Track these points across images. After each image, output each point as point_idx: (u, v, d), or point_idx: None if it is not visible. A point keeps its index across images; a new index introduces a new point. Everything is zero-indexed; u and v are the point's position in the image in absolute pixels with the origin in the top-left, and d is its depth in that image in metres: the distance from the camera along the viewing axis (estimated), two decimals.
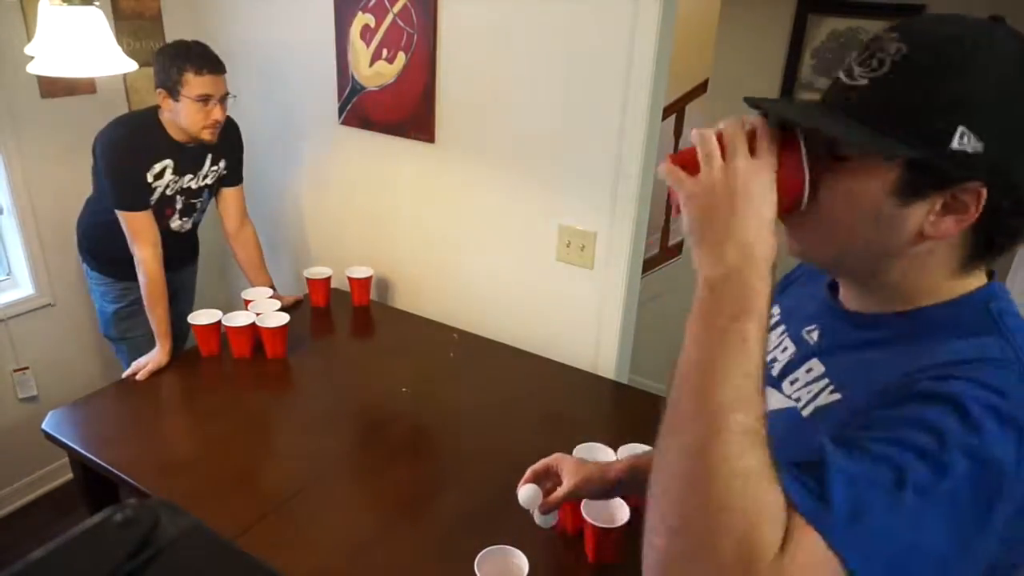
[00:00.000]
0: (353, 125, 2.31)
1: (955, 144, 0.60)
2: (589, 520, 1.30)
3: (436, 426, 1.79)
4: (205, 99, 1.91)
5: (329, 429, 1.73)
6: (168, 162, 2.01)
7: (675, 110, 3.44)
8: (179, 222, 2.16)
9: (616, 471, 1.14)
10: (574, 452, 1.41)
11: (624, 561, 1.34)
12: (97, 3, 1.40)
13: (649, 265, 3.37)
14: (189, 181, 2.10)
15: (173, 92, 1.90)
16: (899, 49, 0.62)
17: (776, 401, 0.80)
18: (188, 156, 2.05)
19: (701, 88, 3.26)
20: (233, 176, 2.23)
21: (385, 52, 2.14)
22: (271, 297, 2.17)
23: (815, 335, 0.81)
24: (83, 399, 1.83)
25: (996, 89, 0.60)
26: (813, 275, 0.93)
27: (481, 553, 1.23)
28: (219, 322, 1.97)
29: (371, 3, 2.12)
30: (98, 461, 1.57)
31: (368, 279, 2.33)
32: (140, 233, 1.99)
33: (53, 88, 2.30)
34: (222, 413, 1.79)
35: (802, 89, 2.75)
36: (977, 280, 0.71)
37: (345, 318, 2.32)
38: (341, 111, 2.32)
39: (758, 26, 2.79)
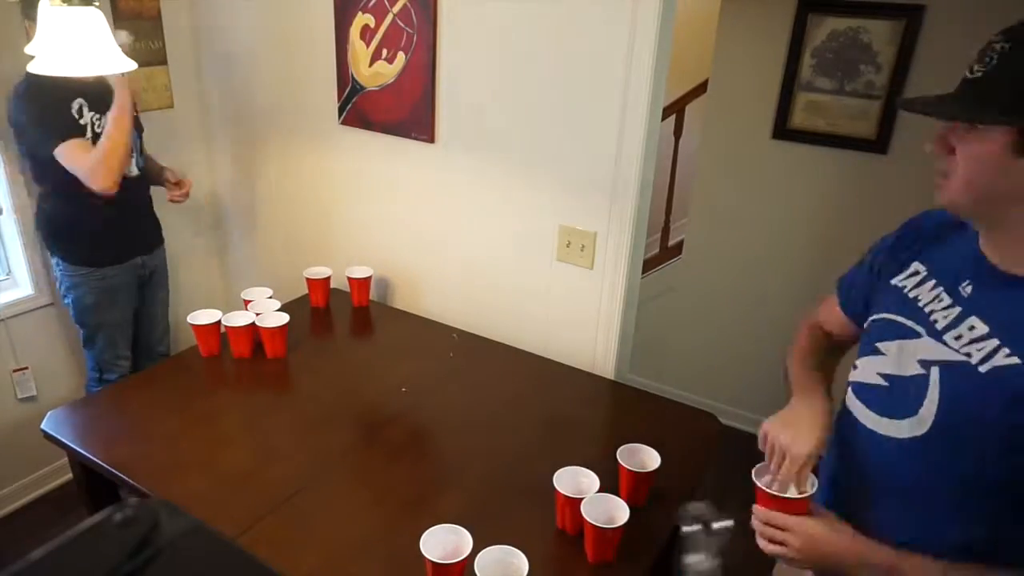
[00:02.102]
0: (353, 125, 2.31)
1: None
2: (589, 520, 1.30)
3: (436, 426, 1.79)
4: None
5: (329, 429, 1.73)
6: (80, 100, 2.02)
7: (675, 110, 3.45)
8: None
9: (827, 407, 1.14)
10: (555, 477, 1.40)
11: (623, 561, 1.34)
12: (97, 3, 1.40)
13: (649, 265, 3.38)
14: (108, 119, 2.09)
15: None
16: (1003, 48, 0.83)
17: (944, 352, 0.94)
18: (96, 93, 2.05)
19: (701, 88, 3.27)
20: (138, 125, 2.27)
21: (385, 52, 2.14)
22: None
23: (969, 289, 0.95)
24: (82, 399, 1.83)
25: None
26: (955, 231, 1.05)
27: (481, 553, 1.23)
28: (219, 322, 1.97)
29: (371, 3, 2.12)
30: (98, 461, 1.57)
31: (368, 279, 2.33)
32: (84, 153, 1.97)
33: None
34: (222, 413, 1.79)
35: (802, 89, 2.75)
36: None
37: (345, 318, 2.32)
38: (341, 111, 2.32)
39: (758, 26, 2.79)
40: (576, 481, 1.42)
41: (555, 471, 1.42)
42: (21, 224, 2.35)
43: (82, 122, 2.03)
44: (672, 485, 1.52)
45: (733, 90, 2.93)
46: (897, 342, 1.01)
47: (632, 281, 1.97)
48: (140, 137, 2.27)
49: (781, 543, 1.04)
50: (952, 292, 0.97)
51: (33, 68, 1.38)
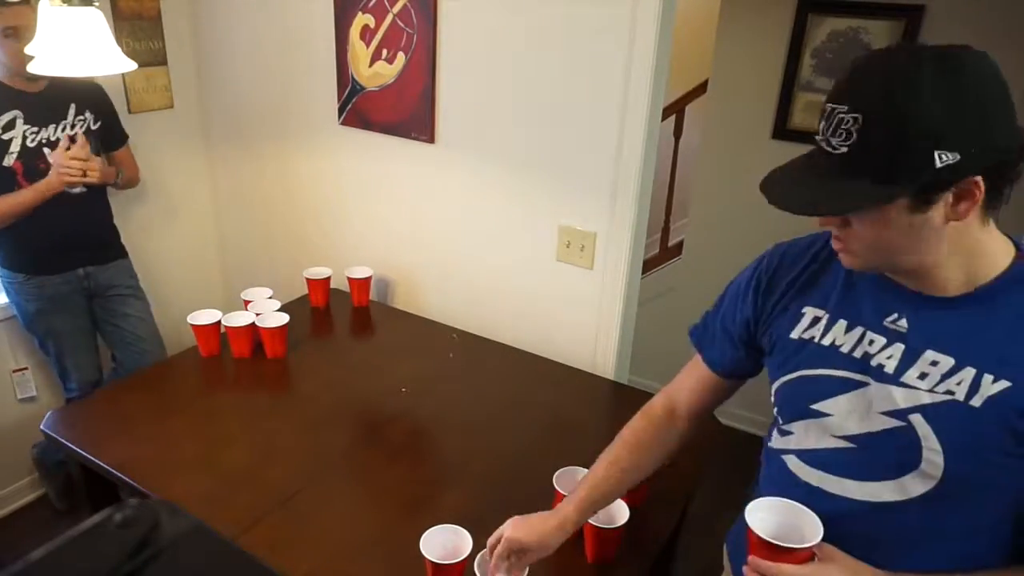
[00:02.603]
0: (353, 125, 2.31)
1: (938, 164, 0.75)
2: (589, 520, 1.30)
3: (436, 426, 1.79)
4: (15, 33, 1.87)
5: (329, 429, 1.73)
6: (15, 112, 1.99)
7: (675, 110, 3.45)
8: None
9: (571, 521, 1.16)
10: (555, 477, 1.40)
11: (623, 561, 1.34)
12: (97, 3, 1.40)
13: (649, 265, 3.38)
14: (56, 131, 2.06)
15: None
16: (855, 119, 0.78)
17: (916, 396, 0.86)
18: (40, 105, 2.03)
19: (701, 88, 3.27)
20: (114, 136, 2.26)
21: (385, 52, 2.14)
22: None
23: (903, 323, 0.89)
24: (82, 399, 1.82)
25: (943, 109, 0.74)
26: (821, 264, 0.98)
27: (481, 553, 1.23)
28: (219, 322, 1.97)
29: (371, 3, 2.12)
30: (97, 461, 1.57)
31: (368, 279, 2.33)
32: None
33: None
34: (222, 413, 1.79)
35: (802, 89, 2.75)
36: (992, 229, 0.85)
37: (345, 318, 2.32)
38: (341, 111, 2.32)
39: (758, 26, 2.79)
40: (576, 481, 1.41)
41: (555, 471, 1.42)
42: None
43: (5, 137, 1.98)
44: (672, 485, 1.52)
45: (733, 90, 2.93)
46: (841, 398, 0.92)
47: (632, 281, 1.97)
48: (102, 155, 2.18)
49: None
50: (879, 330, 0.91)
51: (33, 68, 1.38)
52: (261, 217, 2.75)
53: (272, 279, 2.61)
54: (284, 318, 1.99)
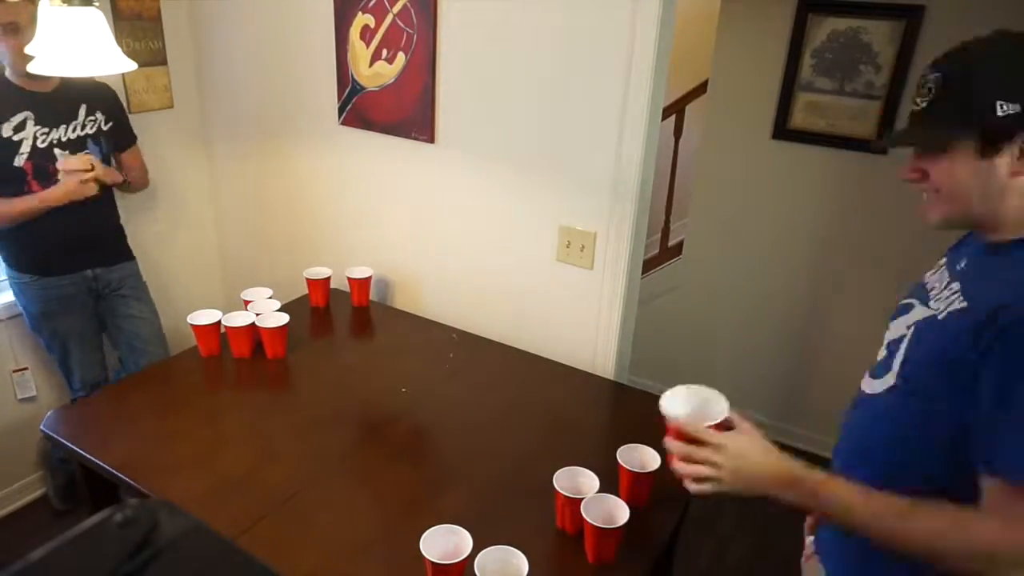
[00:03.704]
0: (353, 125, 2.32)
1: (999, 112, 0.91)
2: (589, 520, 1.30)
3: (436, 426, 1.79)
4: (15, 28, 1.86)
5: (329, 429, 1.73)
6: (27, 113, 1.99)
7: (675, 110, 3.45)
8: None
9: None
10: (555, 477, 1.40)
11: (623, 561, 1.34)
12: (97, 3, 1.40)
13: (649, 265, 3.38)
14: (67, 132, 2.06)
15: None
16: (936, 78, 0.97)
17: (920, 312, 1.05)
18: (51, 106, 2.02)
19: (701, 88, 3.27)
20: (124, 137, 2.26)
21: (385, 52, 2.14)
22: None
23: (963, 263, 1.05)
24: (82, 399, 1.82)
25: (1008, 68, 0.92)
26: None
27: (481, 553, 1.23)
28: (219, 322, 1.97)
29: (371, 3, 2.12)
30: (97, 461, 1.57)
31: (368, 279, 2.33)
32: None
33: None
34: (222, 413, 1.79)
35: (802, 89, 2.75)
36: None
37: (345, 318, 2.32)
38: (341, 111, 2.32)
39: (758, 26, 2.79)
40: (576, 481, 1.42)
41: (555, 471, 1.42)
42: None
43: (15, 138, 1.98)
44: (672, 485, 1.52)
45: (733, 90, 2.93)
46: (901, 318, 1.10)
47: (632, 281, 1.97)
48: (110, 156, 2.21)
49: (708, 466, 1.03)
50: (952, 270, 1.07)
51: (33, 68, 1.38)
52: (261, 217, 2.75)
53: (272, 279, 2.61)
54: (284, 318, 1.99)
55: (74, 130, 2.09)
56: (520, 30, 1.89)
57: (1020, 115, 0.90)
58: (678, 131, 3.50)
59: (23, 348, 2.43)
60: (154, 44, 2.52)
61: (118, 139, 2.25)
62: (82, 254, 2.21)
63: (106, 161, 2.20)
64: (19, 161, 2.01)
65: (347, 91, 2.28)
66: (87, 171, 2.03)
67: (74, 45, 1.37)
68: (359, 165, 2.38)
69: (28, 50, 1.60)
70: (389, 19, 2.10)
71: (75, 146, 2.10)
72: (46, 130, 2.03)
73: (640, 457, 1.48)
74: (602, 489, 1.39)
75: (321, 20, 2.25)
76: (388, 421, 1.78)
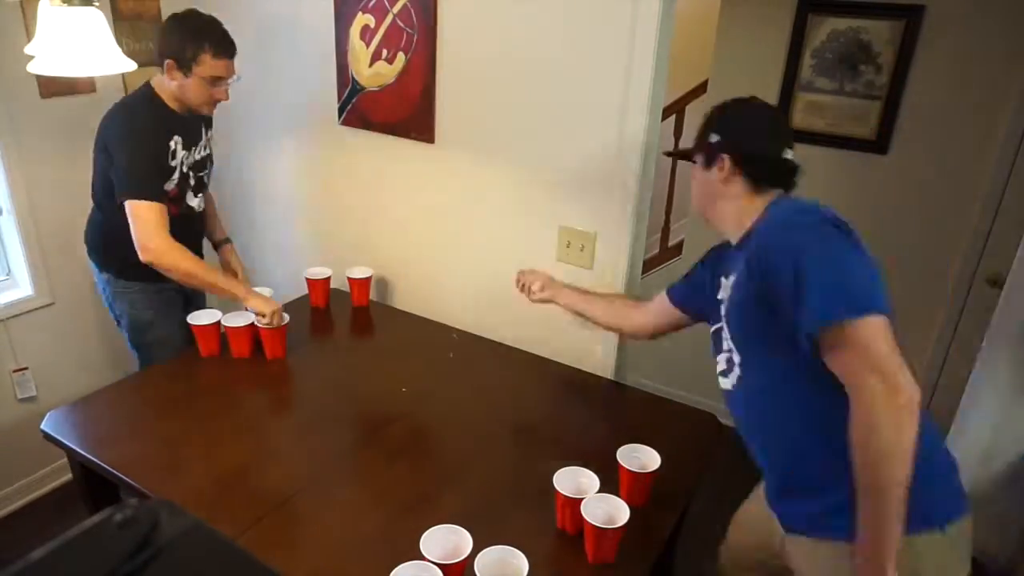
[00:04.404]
0: (353, 125, 2.32)
1: (711, 140, 1.38)
2: (589, 520, 1.30)
3: (436, 426, 1.79)
4: (218, 82, 1.92)
5: (329, 429, 1.73)
6: (177, 137, 1.99)
7: (675, 110, 3.45)
8: (196, 200, 2.12)
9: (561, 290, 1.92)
10: (555, 477, 1.40)
11: (623, 561, 1.34)
12: (97, 3, 1.40)
13: (649, 265, 3.38)
14: (195, 153, 2.08)
15: (184, 66, 1.87)
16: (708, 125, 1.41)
17: (722, 321, 1.38)
18: (189, 128, 2.04)
19: (701, 88, 3.27)
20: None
21: (385, 52, 2.14)
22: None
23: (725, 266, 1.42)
24: (82, 399, 1.82)
25: (731, 116, 1.40)
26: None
27: (481, 553, 1.23)
28: (219, 322, 1.97)
29: (371, 3, 2.12)
30: (97, 461, 1.57)
31: (368, 279, 2.33)
32: (152, 224, 1.88)
33: (53, 88, 2.30)
34: (222, 413, 1.78)
35: (802, 89, 2.75)
36: (768, 198, 1.35)
37: (345, 318, 2.32)
38: (341, 111, 2.32)
39: (758, 26, 2.79)
40: (576, 481, 1.42)
41: (555, 471, 1.42)
42: (21, 224, 2.35)
43: (172, 163, 1.98)
44: (672, 485, 1.53)
45: (733, 90, 2.89)
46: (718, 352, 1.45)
47: (632, 281, 1.97)
48: (213, 167, 2.22)
49: None
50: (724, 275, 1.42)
51: (33, 68, 1.38)
52: (261, 217, 2.75)
53: (272, 279, 2.61)
54: (284, 318, 1.99)
55: (199, 151, 2.10)
56: (520, 30, 1.89)
57: (717, 144, 1.36)
58: (678, 131, 3.49)
59: (23, 348, 2.43)
60: (154, 44, 2.52)
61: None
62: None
63: (211, 177, 2.22)
64: (169, 186, 1.99)
65: (347, 91, 2.28)
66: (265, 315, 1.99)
67: (74, 45, 1.37)
68: (359, 165, 2.38)
69: (28, 50, 1.60)
70: (389, 19, 2.10)
71: (199, 167, 2.11)
72: (186, 153, 2.03)
73: (640, 457, 1.48)
74: (602, 489, 1.39)
75: (321, 20, 2.24)
76: (388, 421, 1.78)
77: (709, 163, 1.36)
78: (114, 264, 2.10)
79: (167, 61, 1.87)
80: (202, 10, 1.93)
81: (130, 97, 2.00)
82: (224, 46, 1.90)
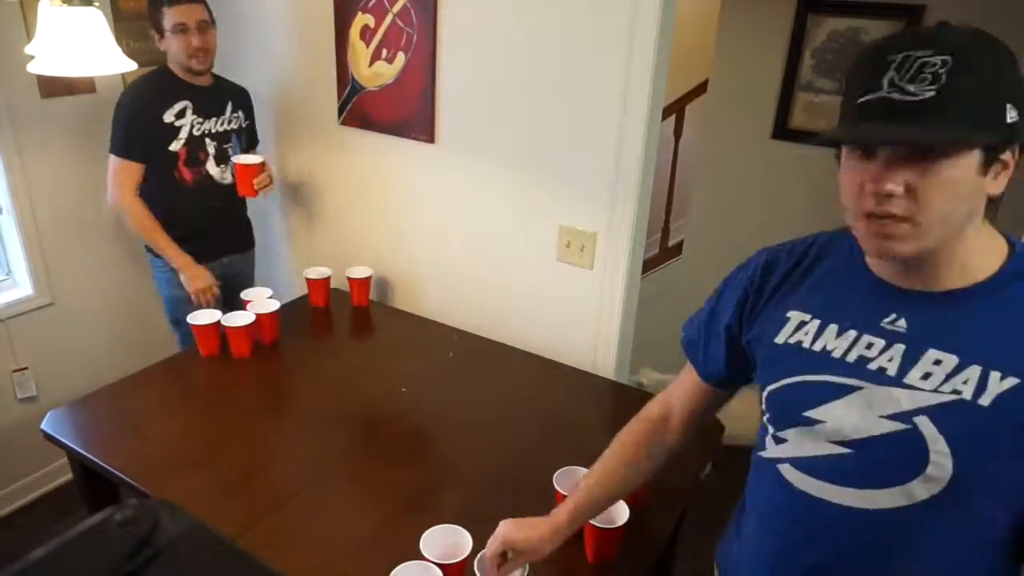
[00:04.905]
0: (353, 125, 2.31)
1: (1008, 118, 0.76)
2: (589, 520, 1.30)
3: (436, 426, 1.79)
4: (183, 28, 2.04)
5: (329, 429, 1.73)
6: (186, 103, 2.15)
7: (675, 110, 3.45)
8: (217, 169, 2.25)
9: (562, 531, 1.17)
10: (555, 477, 1.40)
11: (623, 561, 1.34)
12: (97, 3, 1.40)
13: (649, 265, 3.38)
14: (216, 124, 2.22)
15: (159, 30, 2.06)
16: (944, 62, 0.74)
17: (922, 398, 0.83)
18: (206, 98, 2.19)
19: (701, 88, 3.27)
20: (252, 137, 2.40)
21: (385, 52, 2.14)
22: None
23: (901, 323, 0.86)
24: (82, 399, 1.82)
25: (1011, 70, 0.76)
26: (802, 267, 0.98)
27: (480, 554, 1.23)
28: (219, 322, 1.97)
29: (371, 3, 2.12)
30: (97, 461, 1.57)
31: (368, 279, 2.33)
32: (122, 178, 2.12)
33: (53, 88, 2.30)
34: (222, 413, 1.78)
35: (802, 89, 2.75)
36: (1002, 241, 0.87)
37: (345, 318, 2.32)
38: (341, 111, 2.32)
39: (758, 26, 2.79)
40: (576, 481, 1.41)
41: (555, 471, 1.42)
42: (21, 224, 2.35)
43: (176, 124, 2.15)
44: (672, 485, 1.52)
45: (733, 90, 2.93)
46: (835, 404, 0.89)
47: (632, 281, 1.97)
48: (240, 147, 2.33)
49: None
50: (876, 332, 0.88)
51: (33, 68, 1.38)
52: (260, 217, 2.75)
53: (272, 279, 2.61)
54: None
55: (222, 124, 2.25)
56: (520, 30, 1.89)
57: (1016, 126, 0.76)
58: (678, 131, 3.49)
59: (23, 348, 2.43)
60: (154, 44, 2.52)
61: (249, 138, 2.39)
62: (221, 240, 2.36)
63: (238, 152, 2.35)
64: (175, 146, 2.16)
65: (347, 91, 2.28)
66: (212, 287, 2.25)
67: (74, 45, 1.37)
68: (359, 165, 2.38)
69: (28, 50, 1.60)
70: (389, 19, 2.10)
71: (222, 138, 2.26)
72: (201, 120, 2.19)
73: None
74: None
75: (321, 20, 2.24)
76: (388, 421, 1.78)
77: (992, 156, 0.78)
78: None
79: (151, 33, 2.07)
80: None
81: (144, 74, 2.15)
82: None
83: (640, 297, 2.07)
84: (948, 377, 0.82)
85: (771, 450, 0.98)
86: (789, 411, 0.94)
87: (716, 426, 1.81)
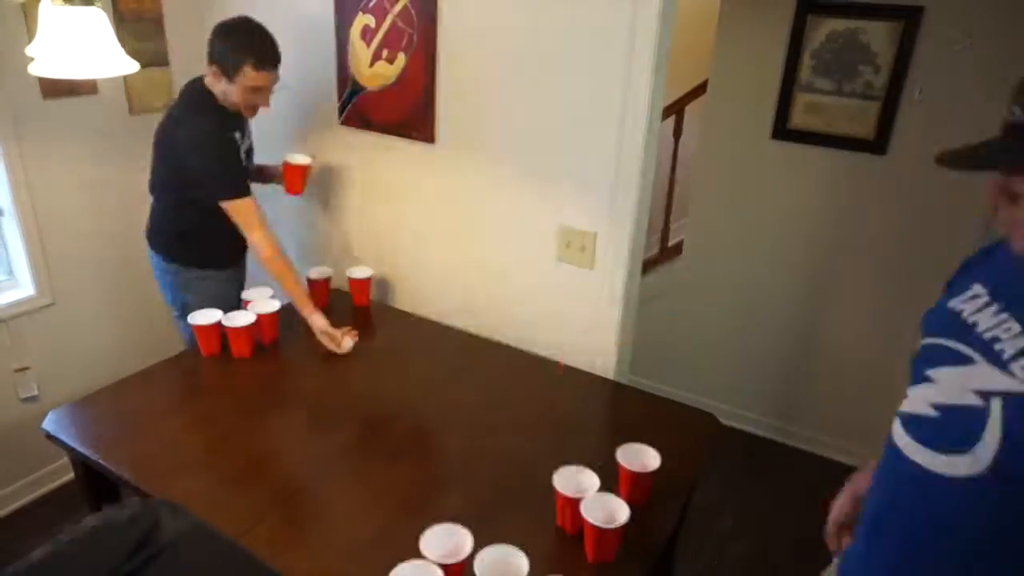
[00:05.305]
0: (353, 125, 2.32)
1: None
2: (589, 520, 1.30)
3: (436, 426, 1.79)
4: (258, 90, 1.99)
5: (329, 429, 1.73)
6: (237, 133, 2.10)
7: (675, 110, 3.45)
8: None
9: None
10: (555, 477, 1.41)
11: (623, 561, 1.34)
12: (99, 3, 1.40)
13: (649, 265, 3.38)
14: (247, 141, 2.20)
15: (228, 74, 1.95)
16: None
17: (1007, 383, 0.85)
18: (240, 120, 2.14)
19: (701, 88, 3.26)
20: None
21: (385, 53, 2.15)
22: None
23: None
24: (83, 399, 1.83)
25: None
26: (1001, 253, 0.99)
27: (481, 553, 1.23)
28: (219, 322, 1.98)
29: (371, 4, 2.12)
30: (98, 461, 1.57)
31: (368, 279, 2.33)
32: (252, 217, 2.06)
33: (54, 89, 2.30)
34: (222, 413, 1.79)
35: (801, 90, 2.75)
36: None
37: (345, 318, 2.32)
38: (341, 111, 2.32)
39: (758, 26, 2.79)
40: (576, 481, 1.42)
41: (555, 471, 1.42)
42: (22, 225, 2.35)
43: (241, 155, 2.12)
44: (672, 485, 1.53)
45: (733, 90, 2.92)
46: (949, 369, 0.93)
47: (632, 281, 1.97)
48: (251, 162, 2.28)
49: None
50: (1021, 319, 0.89)
51: (34, 69, 1.38)
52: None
53: (273, 280, 2.61)
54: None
55: (248, 138, 2.21)
56: (520, 30, 1.89)
57: None
58: (678, 131, 3.49)
59: (24, 348, 2.43)
60: (155, 44, 2.52)
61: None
62: (242, 243, 2.27)
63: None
64: (245, 161, 2.14)
65: (347, 91, 2.28)
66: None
67: (76, 46, 1.37)
68: (359, 165, 2.38)
69: (28, 51, 1.59)
70: (389, 19, 2.10)
71: (248, 156, 2.22)
72: (243, 140, 2.16)
73: (640, 457, 1.48)
74: (602, 489, 1.39)
75: (321, 20, 2.25)
76: (388, 421, 1.78)
77: None
78: (194, 257, 2.19)
79: (212, 67, 1.96)
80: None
81: (190, 97, 2.05)
82: (266, 59, 1.96)
83: (640, 297, 2.07)
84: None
85: (901, 404, 1.02)
86: (919, 367, 0.99)
87: (715, 428, 1.81)
